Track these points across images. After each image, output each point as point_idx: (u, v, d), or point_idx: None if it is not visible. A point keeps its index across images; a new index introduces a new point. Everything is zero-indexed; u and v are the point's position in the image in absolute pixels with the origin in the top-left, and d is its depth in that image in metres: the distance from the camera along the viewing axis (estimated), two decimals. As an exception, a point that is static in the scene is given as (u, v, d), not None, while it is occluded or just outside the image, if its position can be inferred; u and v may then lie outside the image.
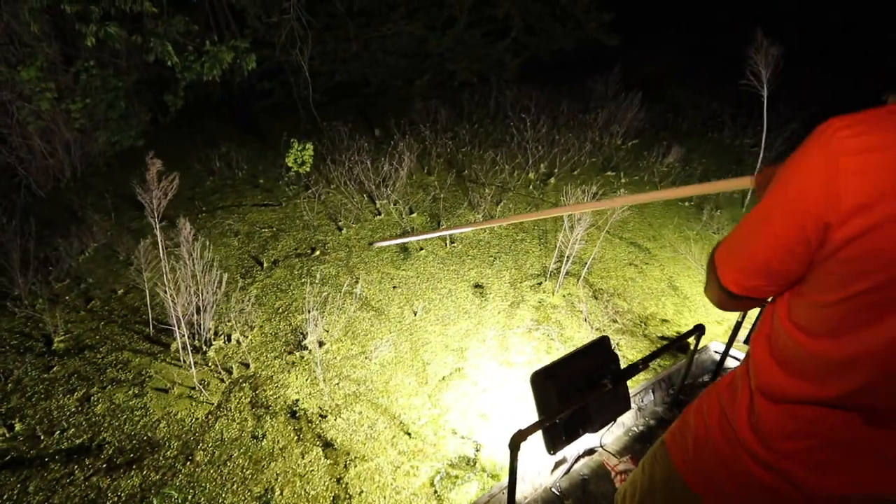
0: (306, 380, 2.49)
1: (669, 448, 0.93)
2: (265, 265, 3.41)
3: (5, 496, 1.95)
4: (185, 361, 2.55)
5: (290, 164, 4.63)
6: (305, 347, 2.64)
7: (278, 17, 6.10)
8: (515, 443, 1.30)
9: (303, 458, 2.16)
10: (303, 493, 2.02)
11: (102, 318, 2.91)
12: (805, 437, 0.71)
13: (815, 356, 0.67)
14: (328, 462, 2.14)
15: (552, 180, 4.96)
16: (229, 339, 2.70)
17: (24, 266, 3.11)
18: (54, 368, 2.53)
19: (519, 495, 1.69)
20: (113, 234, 3.73)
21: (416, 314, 2.95)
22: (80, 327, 2.83)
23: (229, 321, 2.80)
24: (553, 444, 1.49)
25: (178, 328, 2.44)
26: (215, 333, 2.75)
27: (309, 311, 2.94)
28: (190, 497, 1.98)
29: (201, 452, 2.15)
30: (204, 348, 2.64)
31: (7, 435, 2.18)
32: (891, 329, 0.59)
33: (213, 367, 2.53)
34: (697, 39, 10.39)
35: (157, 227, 2.53)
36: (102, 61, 5.10)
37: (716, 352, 2.45)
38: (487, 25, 9.12)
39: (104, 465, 2.08)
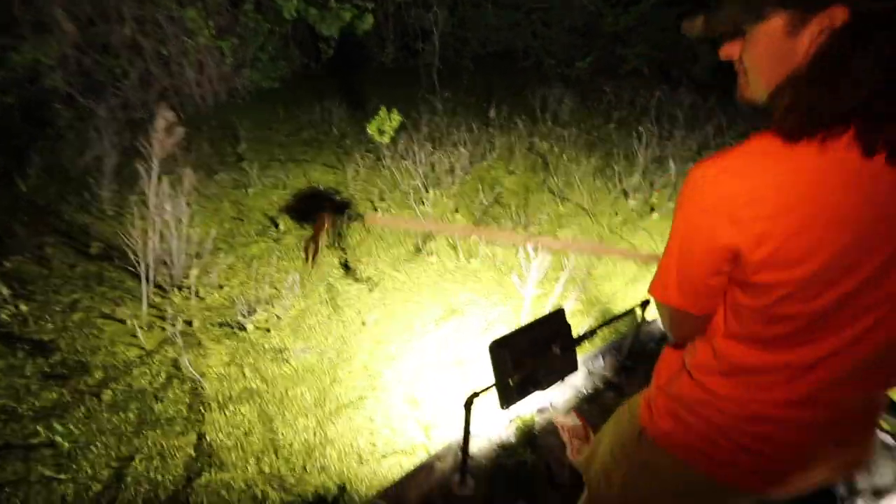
0: (225, 358, 2.46)
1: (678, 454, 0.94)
2: (280, 228, 3.46)
3: (-21, 364, 2.37)
4: (153, 300, 2.75)
5: (370, 132, 4.57)
6: (244, 328, 2.60)
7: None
8: (469, 402, 1.51)
9: (176, 438, 2.15)
10: (152, 477, 2.00)
11: (141, 237, 3.32)
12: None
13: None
14: (190, 455, 2.09)
15: (655, 215, 3.94)
16: (197, 293, 2.82)
17: (116, 176, 3.72)
18: (77, 268, 2.98)
19: (475, 448, 1.91)
20: (200, 164, 4.20)
21: (364, 324, 2.66)
22: (118, 240, 3.26)
23: (208, 275, 2.92)
24: (507, 402, 1.68)
25: (142, 268, 2.61)
26: (181, 286, 2.87)
27: (276, 288, 2.89)
28: (72, 436, 2.12)
29: (109, 393, 2.30)
30: (173, 293, 2.80)
31: (14, 311, 2.65)
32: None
33: (167, 313, 2.67)
34: None
35: (155, 171, 2.70)
36: (262, 6, 5.66)
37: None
38: (686, 5, 7.54)
39: (46, 370, 2.37)
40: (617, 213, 3.92)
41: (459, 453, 1.72)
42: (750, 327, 0.79)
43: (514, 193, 4.13)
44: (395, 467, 1.96)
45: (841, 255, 0.68)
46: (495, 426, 2.03)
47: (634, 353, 2.37)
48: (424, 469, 1.83)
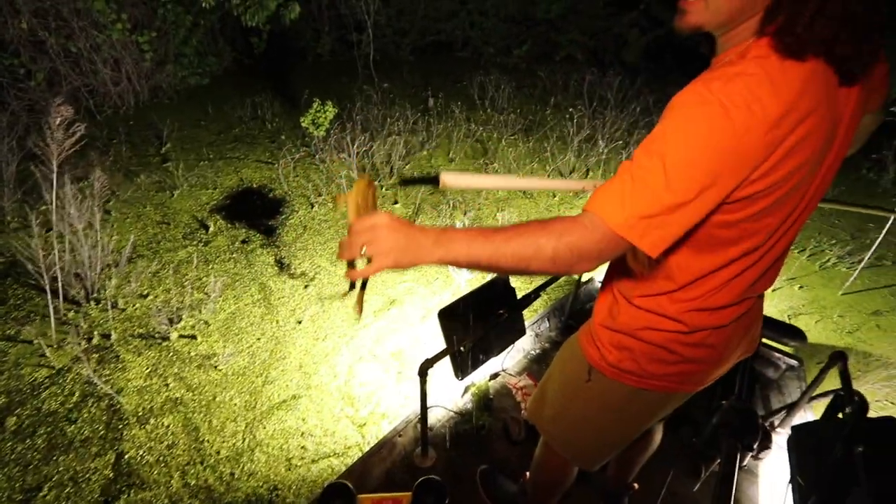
0: (145, 370, 2.30)
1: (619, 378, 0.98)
2: (210, 229, 3.28)
3: None
4: (65, 316, 2.54)
5: (304, 125, 4.42)
6: (167, 337, 2.44)
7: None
8: (423, 370, 1.49)
9: (92, 461, 1.99)
10: None
11: (46, 249, 3.06)
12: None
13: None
14: (108, 476, 1.94)
15: (589, 193, 4.03)
16: (116, 304, 2.63)
17: (21, 185, 3.40)
18: (-24, 288, 2.71)
19: (433, 419, 1.90)
20: (118, 168, 3.92)
21: (300, 323, 2.57)
22: (22, 254, 2.99)
23: (129, 284, 2.72)
24: (461, 371, 1.74)
25: (47, 282, 2.40)
26: (98, 299, 2.69)
27: (206, 293, 2.74)
28: (-33, 462, 1.93)
29: (14, 419, 2.10)
30: (89, 307, 2.60)
31: None
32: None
33: (81, 328, 2.47)
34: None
35: (55, 174, 2.48)
36: (182, -2, 5.33)
37: (599, 282, 2.66)
38: (613, -7, 7.75)
39: (-64, 399, 2.14)
40: (554, 195, 3.99)
41: (418, 426, 1.72)
42: (708, 254, 0.81)
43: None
44: (326, 471, 1.90)
45: (806, 175, 0.72)
46: (451, 396, 2.04)
47: (575, 312, 2.45)
48: (386, 445, 1.80)
